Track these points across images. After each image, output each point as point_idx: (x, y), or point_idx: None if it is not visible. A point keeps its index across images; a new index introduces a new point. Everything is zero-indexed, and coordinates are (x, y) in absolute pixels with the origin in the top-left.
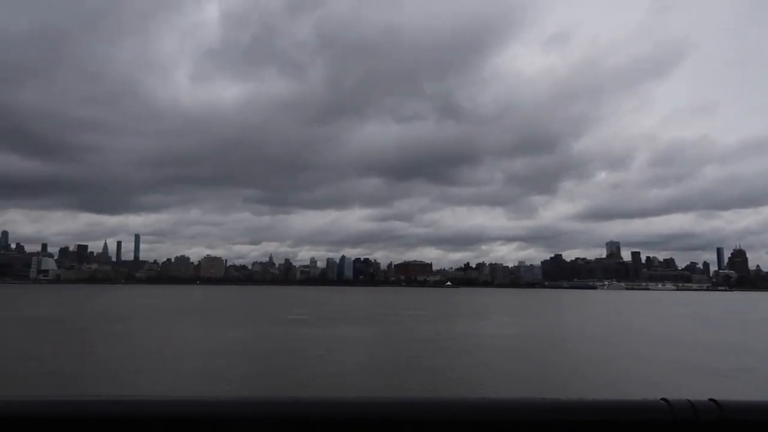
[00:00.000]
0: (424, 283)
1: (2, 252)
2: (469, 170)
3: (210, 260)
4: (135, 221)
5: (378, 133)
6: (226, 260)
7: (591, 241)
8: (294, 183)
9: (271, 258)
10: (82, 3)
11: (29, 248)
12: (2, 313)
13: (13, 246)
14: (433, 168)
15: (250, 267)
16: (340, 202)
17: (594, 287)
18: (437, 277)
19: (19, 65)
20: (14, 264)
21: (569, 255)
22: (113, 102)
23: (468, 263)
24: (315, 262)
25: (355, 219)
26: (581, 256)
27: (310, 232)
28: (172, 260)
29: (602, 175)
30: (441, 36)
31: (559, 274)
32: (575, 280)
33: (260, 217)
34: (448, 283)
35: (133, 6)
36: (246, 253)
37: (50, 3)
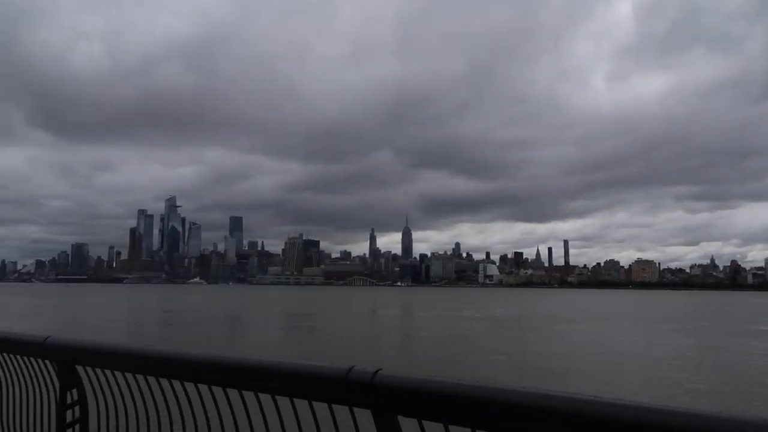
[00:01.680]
0: None
1: (457, 260)
2: None
3: (641, 264)
4: (563, 227)
5: None
6: (659, 263)
7: None
8: (736, 173)
9: (712, 260)
10: (503, 39)
11: (476, 256)
12: (474, 313)
13: (464, 255)
14: None
15: (687, 270)
16: None
17: None
18: None
19: (459, 101)
20: (466, 270)
21: None
22: (535, 118)
23: None
24: None
25: None
26: None
27: (763, 227)
28: (602, 264)
29: None
30: None
31: None
32: None
33: (696, 214)
34: None
35: (546, 27)
36: (682, 255)
37: (477, 44)
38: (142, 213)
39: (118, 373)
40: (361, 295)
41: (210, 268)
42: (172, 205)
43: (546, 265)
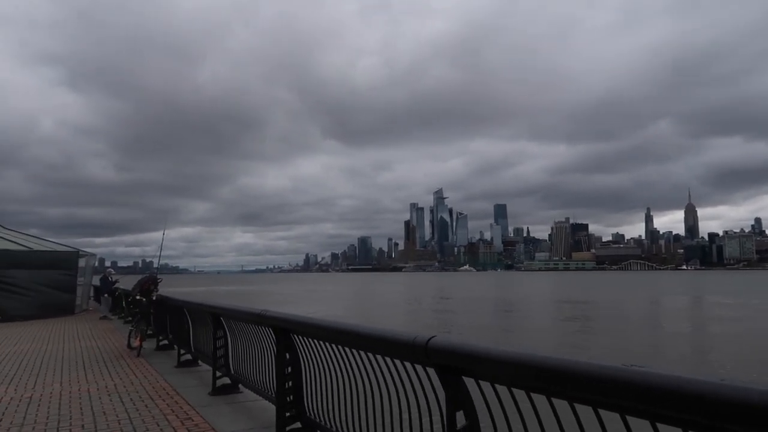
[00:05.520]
0: None
1: (758, 238)
2: None
3: None
4: None
5: None
6: None
7: None
8: None
9: None
10: None
11: None
12: None
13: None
14: None
15: None
16: None
17: None
18: None
19: (757, 52)
20: None
21: None
22: None
23: None
24: None
25: None
26: None
27: None
28: None
29: None
30: None
31: None
32: None
33: None
34: None
35: None
36: None
37: None
38: (413, 206)
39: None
40: (643, 280)
41: (478, 256)
42: (439, 197)
43: None
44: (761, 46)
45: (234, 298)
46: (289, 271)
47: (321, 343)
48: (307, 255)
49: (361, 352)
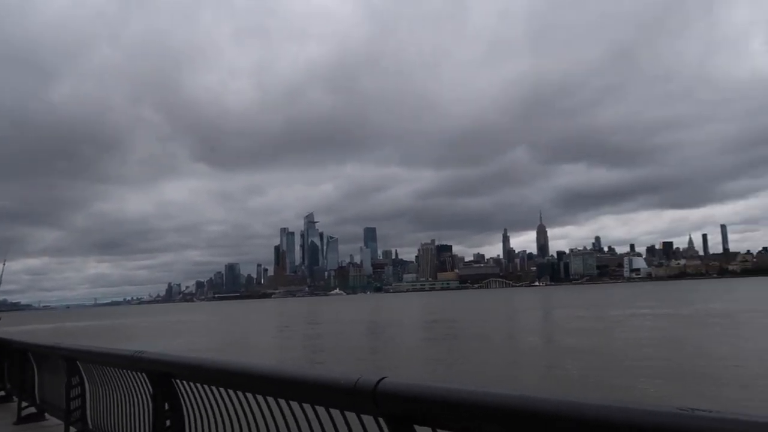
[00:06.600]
0: None
1: (598, 255)
2: None
3: None
4: (721, 211)
5: None
6: None
7: None
8: None
9: None
10: (646, 15)
11: (619, 249)
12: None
13: (606, 249)
14: None
15: None
16: None
17: None
18: None
19: (599, 88)
20: (609, 265)
21: None
22: (686, 95)
23: None
24: None
25: None
26: None
27: None
28: None
29: None
30: None
31: None
32: None
33: None
34: None
35: None
36: None
37: (617, 25)
38: (284, 231)
39: None
40: (500, 298)
41: (348, 279)
42: (310, 221)
43: (701, 253)
44: (602, 83)
45: (89, 335)
46: (149, 302)
47: (214, 389)
48: (169, 284)
49: (270, 399)
